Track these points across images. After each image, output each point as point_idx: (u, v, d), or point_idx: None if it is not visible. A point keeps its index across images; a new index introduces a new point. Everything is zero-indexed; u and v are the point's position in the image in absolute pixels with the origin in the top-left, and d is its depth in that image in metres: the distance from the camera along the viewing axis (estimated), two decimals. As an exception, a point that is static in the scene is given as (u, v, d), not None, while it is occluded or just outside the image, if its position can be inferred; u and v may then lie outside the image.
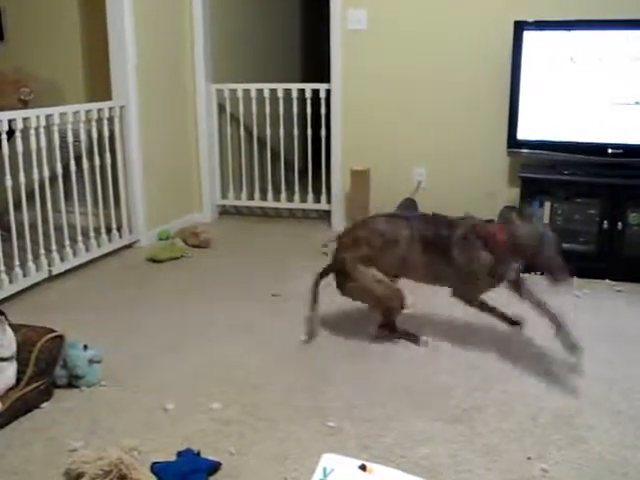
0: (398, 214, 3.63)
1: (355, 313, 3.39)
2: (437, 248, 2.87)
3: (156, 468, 2.05)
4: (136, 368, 2.87)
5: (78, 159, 4.20)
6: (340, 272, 3.03)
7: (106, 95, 4.54)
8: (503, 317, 3.02)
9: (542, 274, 2.77)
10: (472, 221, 2.90)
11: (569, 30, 4.16)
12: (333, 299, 3.18)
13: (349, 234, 3.09)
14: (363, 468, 1.46)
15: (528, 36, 4.20)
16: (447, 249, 2.84)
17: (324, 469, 1.43)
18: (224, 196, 5.56)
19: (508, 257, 2.80)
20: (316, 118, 5.18)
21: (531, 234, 2.74)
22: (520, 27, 4.21)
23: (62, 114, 4.02)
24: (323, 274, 3.11)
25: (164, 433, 2.36)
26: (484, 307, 2.98)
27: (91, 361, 2.73)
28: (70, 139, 4.11)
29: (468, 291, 2.93)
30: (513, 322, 3.03)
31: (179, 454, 2.13)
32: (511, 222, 2.80)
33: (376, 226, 3.00)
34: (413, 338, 3.10)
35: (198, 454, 2.14)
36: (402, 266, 2.96)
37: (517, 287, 2.92)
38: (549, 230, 2.80)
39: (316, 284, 3.09)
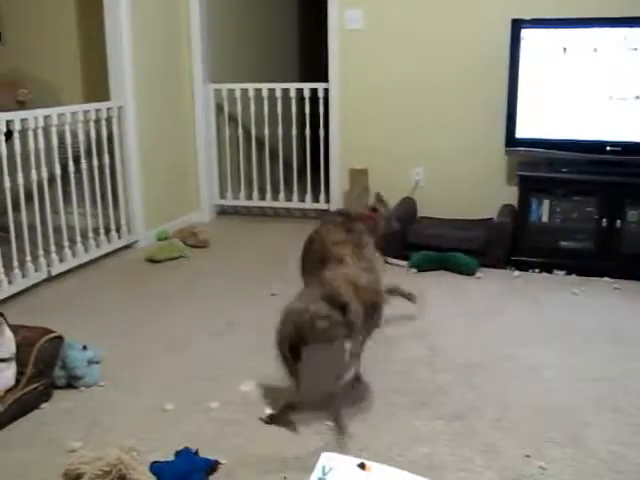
0: None
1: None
2: None
3: (155, 468, 2.05)
4: (135, 368, 2.88)
5: (76, 160, 4.21)
6: None
7: (105, 96, 4.55)
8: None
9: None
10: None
11: (566, 28, 4.17)
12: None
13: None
14: (362, 466, 1.47)
15: (526, 34, 4.20)
16: None
17: (323, 467, 1.44)
18: (222, 196, 5.56)
19: None
20: (315, 118, 5.18)
21: None
22: (517, 25, 4.21)
23: (60, 115, 4.02)
24: None
25: (163, 433, 2.36)
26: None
27: (90, 362, 2.73)
28: (68, 140, 4.11)
29: None
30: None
31: (177, 454, 2.14)
32: None
33: None
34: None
35: (196, 453, 2.15)
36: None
37: None
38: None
39: None
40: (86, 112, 4.25)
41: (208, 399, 2.59)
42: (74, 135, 4.19)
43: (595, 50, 4.11)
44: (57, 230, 4.05)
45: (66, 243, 4.09)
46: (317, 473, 1.42)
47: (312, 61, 6.95)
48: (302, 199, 5.38)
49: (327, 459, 1.46)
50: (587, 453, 2.23)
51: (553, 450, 2.24)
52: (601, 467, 2.16)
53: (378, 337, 3.07)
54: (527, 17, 4.20)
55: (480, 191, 4.63)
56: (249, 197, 5.51)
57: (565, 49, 4.16)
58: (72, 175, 4.16)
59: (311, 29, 7.04)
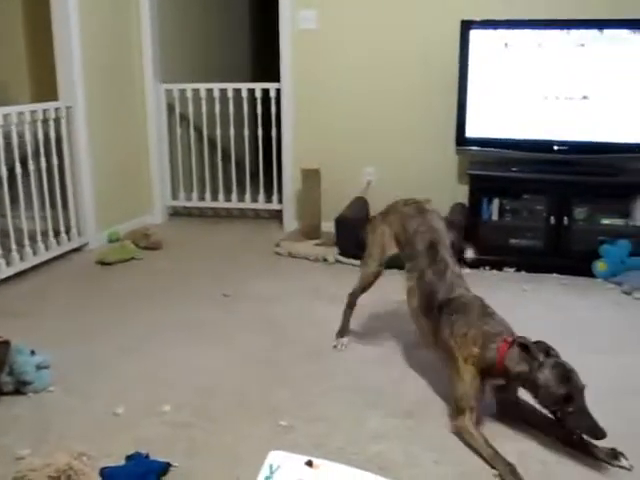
0: None
1: (315, 314, 3.42)
2: None
3: (105, 473, 2.02)
4: (86, 373, 2.83)
5: (24, 161, 4.11)
6: None
7: (53, 95, 4.46)
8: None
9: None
10: None
11: (514, 29, 4.23)
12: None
13: None
14: (309, 464, 1.47)
15: (474, 35, 4.26)
16: None
17: (270, 466, 1.44)
18: (175, 197, 5.52)
19: None
20: (267, 118, 5.17)
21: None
22: (467, 26, 4.27)
23: (6, 115, 3.93)
24: None
25: (114, 437, 2.33)
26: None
27: (39, 367, 2.67)
28: (15, 141, 4.02)
29: None
30: None
31: (128, 458, 2.11)
32: None
33: None
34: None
35: (147, 457, 2.12)
36: None
37: None
38: None
39: None
40: (33, 112, 4.16)
41: (161, 402, 2.56)
42: (21, 136, 4.10)
43: (542, 51, 4.19)
44: (4, 234, 3.96)
45: (14, 246, 4.00)
46: (264, 472, 1.42)
47: (265, 61, 6.94)
48: (255, 199, 5.36)
49: (275, 457, 1.46)
50: (535, 445, 2.27)
51: (504, 443, 2.27)
52: (548, 457, 2.20)
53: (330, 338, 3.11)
54: (477, 18, 4.26)
55: (432, 190, 4.63)
56: (202, 198, 5.47)
57: (512, 50, 4.23)
58: (19, 177, 4.07)
59: (264, 29, 7.03)
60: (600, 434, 2.08)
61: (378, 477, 1.48)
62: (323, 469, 1.45)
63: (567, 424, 2.16)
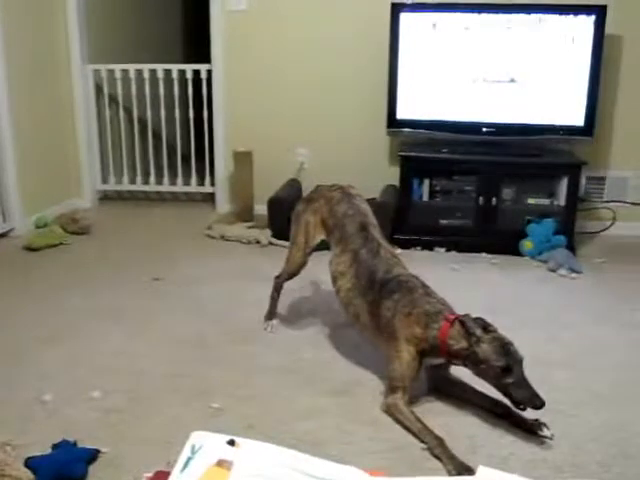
0: None
1: (248, 296, 3.41)
2: None
3: (31, 462, 1.97)
4: (11, 361, 2.75)
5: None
6: None
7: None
8: None
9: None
10: None
11: (443, 12, 4.28)
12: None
13: None
14: (232, 443, 1.47)
15: (405, 18, 4.29)
16: None
17: (192, 446, 1.43)
18: (105, 181, 5.40)
19: None
20: (199, 99, 5.10)
21: None
22: (397, 9, 4.29)
23: None
24: None
25: (41, 426, 2.27)
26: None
27: (-39, 355, 2.60)
28: None
29: None
30: None
31: (55, 447, 2.07)
32: None
33: None
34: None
35: (75, 445, 2.08)
36: None
37: None
38: None
39: None
40: (-49, 93, 4.01)
41: (90, 389, 2.51)
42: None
43: (470, 33, 4.25)
44: None
45: None
46: (186, 452, 1.41)
47: (197, 42, 6.83)
48: (187, 183, 5.30)
49: (196, 438, 1.46)
50: (460, 422, 2.33)
51: (437, 420, 2.31)
52: (481, 431, 2.26)
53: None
54: (407, 1, 4.28)
55: (364, 172, 4.69)
56: (132, 181, 5.38)
57: (441, 32, 4.28)
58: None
59: (195, 9, 6.91)
60: (539, 402, 2.15)
61: (299, 454, 1.49)
62: (245, 447, 1.45)
63: (508, 396, 2.22)
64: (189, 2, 7.22)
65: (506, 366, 2.19)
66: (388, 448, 2.18)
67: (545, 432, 2.22)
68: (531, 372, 2.22)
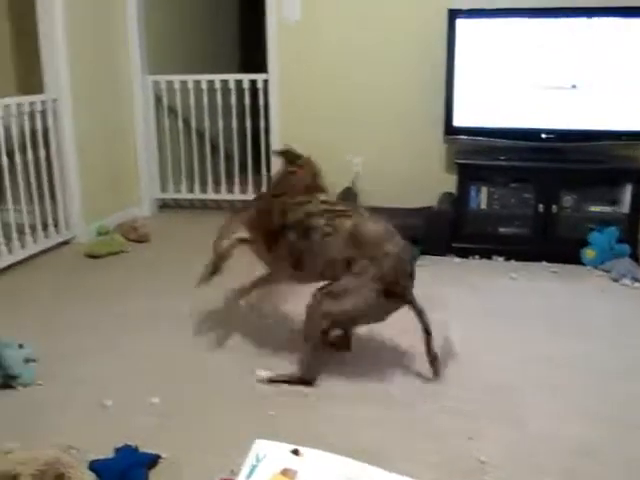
0: None
1: (301, 304, 3.41)
2: None
3: (95, 465, 2.02)
4: (74, 365, 2.82)
5: (10, 155, 4.08)
6: None
7: (39, 88, 4.43)
8: None
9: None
10: None
11: (502, 17, 4.23)
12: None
13: None
14: (295, 452, 1.47)
15: (461, 24, 4.26)
16: None
17: (257, 455, 1.44)
18: (163, 189, 5.50)
19: None
20: (255, 109, 5.15)
21: None
22: (453, 15, 4.26)
23: (-9, 108, 3.91)
24: None
25: (103, 430, 2.32)
26: None
27: (27, 360, 2.67)
28: (1, 134, 3.99)
29: None
30: None
31: (117, 451, 2.10)
32: None
33: None
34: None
35: (136, 449, 2.12)
36: None
37: None
38: None
39: None
40: (19, 105, 4.13)
41: (149, 394, 2.55)
42: (7, 129, 4.07)
43: (528, 39, 4.19)
44: (-9, 227, 3.94)
45: (1, 240, 3.98)
46: (251, 460, 1.42)
47: (254, 52, 6.90)
48: (244, 191, 5.35)
49: (260, 446, 1.46)
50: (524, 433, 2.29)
51: (494, 432, 2.28)
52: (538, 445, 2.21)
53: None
54: (463, 7, 4.25)
55: (420, 180, 4.67)
56: (190, 190, 5.46)
57: (499, 38, 4.23)
58: (6, 170, 4.04)
59: (251, 19, 6.99)
60: None
61: (365, 465, 1.48)
62: (309, 457, 1.45)
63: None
64: (245, 13, 7.31)
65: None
66: (447, 460, 2.15)
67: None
68: (593, 383, 2.17)
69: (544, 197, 4.15)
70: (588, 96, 4.18)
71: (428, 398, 2.53)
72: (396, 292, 2.49)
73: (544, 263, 4.09)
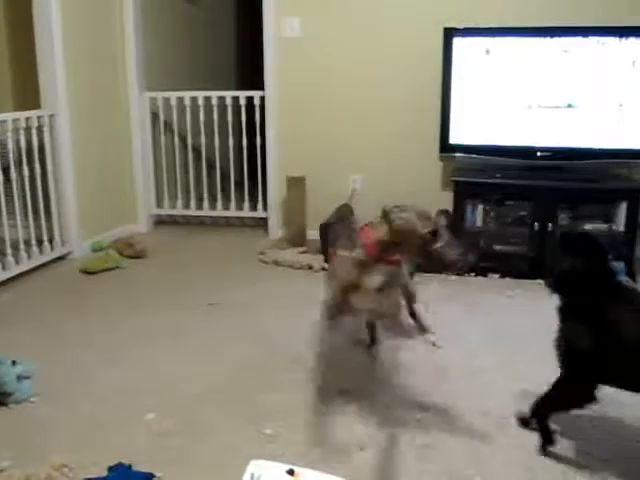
0: None
1: (301, 322, 3.40)
2: None
3: (88, 484, 2.00)
4: (68, 382, 2.80)
5: (6, 170, 4.08)
6: None
7: (36, 104, 4.43)
8: None
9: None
10: None
11: (497, 36, 4.26)
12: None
13: None
14: (291, 473, 1.46)
15: (457, 42, 4.28)
16: None
17: (252, 475, 1.43)
18: (159, 205, 5.49)
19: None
20: (252, 126, 5.16)
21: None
22: (449, 34, 4.28)
23: (-12, 124, 3.91)
24: None
25: (97, 448, 2.30)
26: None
27: (20, 377, 2.65)
28: (-3, 149, 4.00)
29: None
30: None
31: (110, 469, 2.09)
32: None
33: None
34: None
35: (129, 468, 2.10)
36: None
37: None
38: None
39: None
40: (16, 120, 4.13)
41: (144, 411, 2.54)
42: (3, 144, 4.07)
43: (525, 58, 4.21)
44: (-14, 242, 3.93)
45: (-4, 255, 3.97)
46: (246, 481, 1.41)
47: (250, 69, 6.93)
48: (240, 207, 5.35)
49: (255, 466, 1.45)
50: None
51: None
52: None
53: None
54: (459, 26, 4.28)
55: (416, 197, 4.57)
56: (186, 206, 5.45)
57: (495, 57, 4.25)
58: (2, 185, 4.03)
59: (248, 37, 7.03)
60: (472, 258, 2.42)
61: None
62: (304, 477, 1.44)
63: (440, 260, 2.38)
64: (243, 30, 7.34)
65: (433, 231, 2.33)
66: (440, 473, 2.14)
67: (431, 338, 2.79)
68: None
69: (540, 215, 4.16)
70: (583, 115, 4.20)
71: (428, 417, 2.52)
72: None
73: (539, 281, 4.08)
